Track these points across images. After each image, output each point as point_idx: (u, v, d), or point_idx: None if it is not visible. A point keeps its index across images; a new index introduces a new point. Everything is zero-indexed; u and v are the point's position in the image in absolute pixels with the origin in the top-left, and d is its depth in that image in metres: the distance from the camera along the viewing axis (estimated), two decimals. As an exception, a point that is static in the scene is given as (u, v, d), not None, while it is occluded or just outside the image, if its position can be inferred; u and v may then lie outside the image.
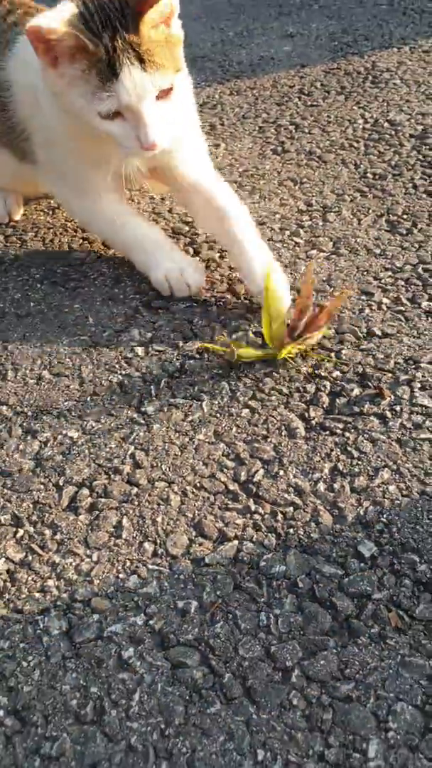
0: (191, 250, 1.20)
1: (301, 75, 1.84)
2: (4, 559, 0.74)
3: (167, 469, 0.83)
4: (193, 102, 1.13)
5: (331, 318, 0.97)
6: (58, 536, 0.76)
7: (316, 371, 0.93)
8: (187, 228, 1.26)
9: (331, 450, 0.82)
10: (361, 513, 0.75)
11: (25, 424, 0.91)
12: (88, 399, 0.93)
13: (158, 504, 0.79)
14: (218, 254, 1.18)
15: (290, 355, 0.94)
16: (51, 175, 1.14)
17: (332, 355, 0.95)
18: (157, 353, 0.99)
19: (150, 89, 0.91)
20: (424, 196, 1.26)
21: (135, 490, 0.81)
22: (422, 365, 0.91)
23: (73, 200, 1.15)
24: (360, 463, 0.80)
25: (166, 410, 0.90)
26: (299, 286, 1.03)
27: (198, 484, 0.81)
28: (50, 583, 0.72)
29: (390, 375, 0.90)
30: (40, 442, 0.88)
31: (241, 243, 1.06)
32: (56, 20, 0.88)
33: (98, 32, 0.88)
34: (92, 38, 0.88)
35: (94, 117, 0.92)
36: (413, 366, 0.91)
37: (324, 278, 1.09)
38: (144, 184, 1.28)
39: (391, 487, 0.77)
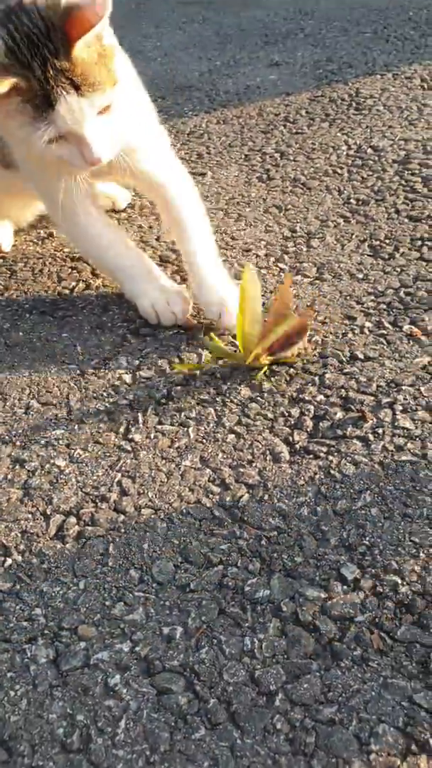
0: (178, 278, 1.22)
1: (287, 103, 1.88)
2: (-8, 589, 0.75)
3: (153, 496, 0.84)
4: (142, 94, 1.11)
5: (306, 332, 0.99)
6: (45, 565, 0.77)
7: (300, 395, 0.94)
8: (174, 256, 1.28)
9: (315, 473, 0.83)
10: (344, 536, 0.76)
11: (13, 453, 0.92)
12: (76, 427, 0.95)
13: (144, 531, 0.80)
14: (205, 281, 1.20)
15: (258, 365, 0.97)
16: (31, 184, 1.14)
17: (316, 379, 0.96)
18: (144, 380, 1.01)
19: (88, 112, 0.90)
20: (406, 220, 1.28)
21: (122, 517, 0.82)
22: (404, 388, 0.93)
23: (55, 211, 1.14)
24: (343, 486, 0.81)
25: (152, 437, 0.92)
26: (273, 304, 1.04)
27: (184, 511, 0.82)
28: (38, 611, 0.73)
29: (372, 398, 0.92)
30: (28, 471, 0.89)
31: (197, 264, 1.09)
32: None
33: (28, 64, 0.86)
34: (23, 72, 0.86)
35: (38, 144, 0.91)
36: (395, 389, 0.93)
37: (308, 303, 1.11)
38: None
39: (374, 510, 0.78)
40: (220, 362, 1.01)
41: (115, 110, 0.95)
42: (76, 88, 0.88)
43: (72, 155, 0.94)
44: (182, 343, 1.07)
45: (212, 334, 1.02)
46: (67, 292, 1.22)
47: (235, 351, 1.00)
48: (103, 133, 0.93)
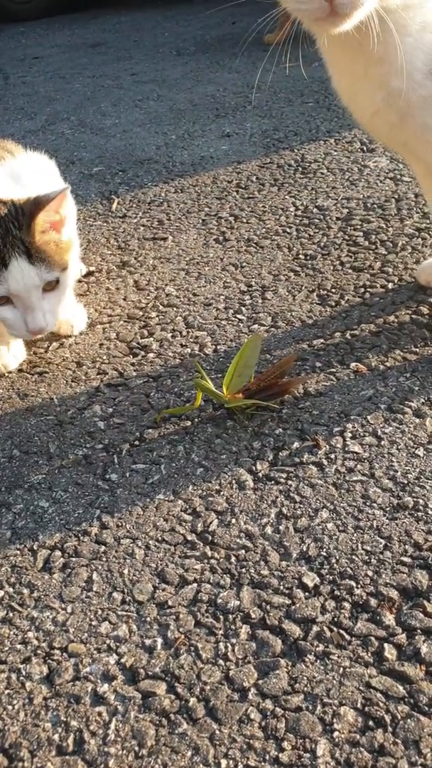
0: (146, 332, 1.32)
1: (238, 170, 2.03)
2: (-14, 618, 0.82)
3: (131, 528, 0.92)
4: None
5: (286, 393, 1.10)
6: (35, 594, 0.85)
7: (260, 430, 1.04)
8: (141, 313, 1.39)
9: (276, 497, 0.92)
10: (304, 549, 0.85)
11: None
12: (56, 472, 1.03)
13: (124, 558, 0.88)
14: (170, 335, 1.31)
15: (238, 407, 1.06)
16: None
17: (274, 414, 1.06)
18: (117, 426, 1.10)
19: (36, 280, 1.08)
20: (350, 271, 1.41)
21: (103, 548, 0.90)
22: (352, 417, 1.03)
23: None
24: (302, 506, 0.91)
25: (128, 476, 1.00)
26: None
27: (159, 538, 0.90)
28: (30, 635, 0.80)
29: (325, 428, 1.02)
30: (14, 513, 0.97)
31: None
32: None
33: None
34: None
35: None
36: (344, 419, 1.03)
37: (265, 348, 1.22)
38: None
39: (329, 525, 0.87)
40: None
41: (60, 290, 1.14)
42: (29, 255, 1.08)
43: (15, 319, 1.10)
44: (152, 390, 1.16)
45: (203, 373, 1.11)
46: (42, 350, 1.32)
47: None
48: (47, 306, 1.11)
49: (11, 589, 0.86)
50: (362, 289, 1.34)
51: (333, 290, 1.36)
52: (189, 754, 0.66)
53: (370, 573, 0.81)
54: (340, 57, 1.03)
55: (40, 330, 1.12)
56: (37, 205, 1.11)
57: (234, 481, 0.96)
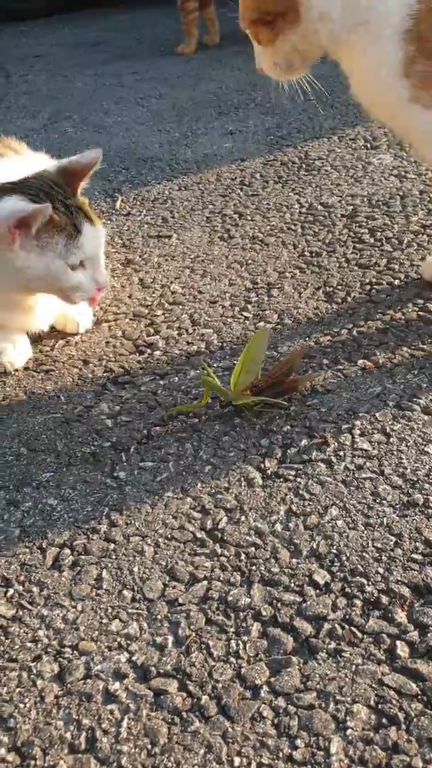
0: (152, 330, 1.32)
1: (242, 168, 2.03)
2: (-4, 617, 0.82)
3: (140, 525, 0.92)
4: None
5: (294, 390, 1.09)
6: (45, 592, 0.84)
7: (268, 427, 1.04)
8: (146, 311, 1.38)
9: (286, 494, 0.92)
10: (314, 546, 0.84)
11: (8, 496, 0.99)
12: (64, 469, 1.03)
13: (134, 556, 0.87)
14: (176, 332, 1.30)
15: (245, 404, 1.06)
16: None
17: (282, 412, 1.06)
18: (125, 423, 1.10)
19: (101, 238, 1.16)
20: (355, 268, 1.41)
21: (112, 546, 0.89)
22: (360, 414, 1.03)
23: None
24: (311, 503, 0.90)
25: (136, 473, 1.00)
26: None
27: (169, 536, 0.89)
28: (40, 633, 0.79)
29: (333, 425, 1.02)
30: (23, 511, 0.97)
31: None
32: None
33: (53, 207, 1.10)
34: (54, 211, 1.09)
35: (66, 271, 1.12)
36: (353, 416, 1.03)
37: (271, 345, 1.21)
38: None
39: (339, 522, 0.87)
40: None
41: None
42: (89, 219, 1.14)
43: (87, 281, 1.15)
44: (159, 388, 1.16)
45: (209, 371, 1.11)
46: (48, 348, 1.31)
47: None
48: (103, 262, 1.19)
49: (21, 587, 0.85)
50: (368, 286, 1.34)
51: (339, 287, 1.35)
52: (202, 752, 0.66)
53: (381, 570, 0.80)
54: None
55: (106, 283, 1.19)
56: (73, 173, 1.17)
57: (243, 479, 0.96)
